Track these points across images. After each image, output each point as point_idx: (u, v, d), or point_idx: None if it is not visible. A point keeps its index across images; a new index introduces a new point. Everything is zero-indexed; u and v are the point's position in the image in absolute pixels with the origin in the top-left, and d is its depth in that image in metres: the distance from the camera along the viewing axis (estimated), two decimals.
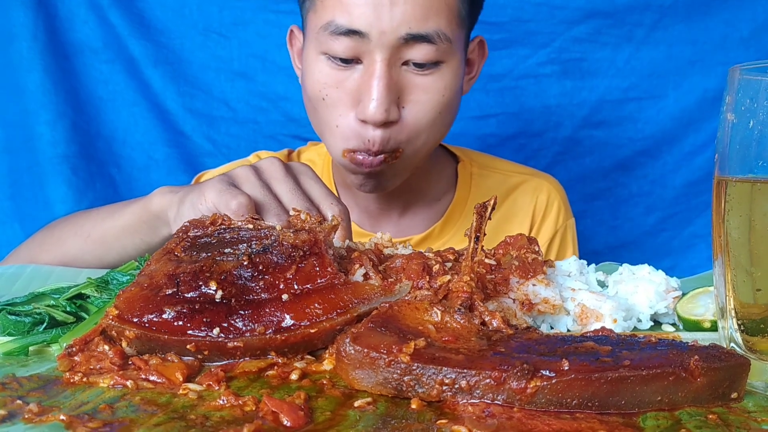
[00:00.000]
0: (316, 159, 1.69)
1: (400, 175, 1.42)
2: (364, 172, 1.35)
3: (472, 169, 1.69)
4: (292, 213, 0.93)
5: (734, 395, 0.64)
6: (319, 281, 0.76)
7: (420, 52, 1.28)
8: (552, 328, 0.87)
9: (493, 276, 0.87)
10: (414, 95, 1.31)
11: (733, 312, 0.71)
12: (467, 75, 1.50)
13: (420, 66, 1.30)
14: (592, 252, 2.07)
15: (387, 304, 0.73)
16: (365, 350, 0.64)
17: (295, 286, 0.75)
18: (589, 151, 2.27)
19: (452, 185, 1.67)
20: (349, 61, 1.29)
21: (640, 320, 0.90)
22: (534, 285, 0.86)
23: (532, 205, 1.70)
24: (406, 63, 1.29)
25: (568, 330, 0.87)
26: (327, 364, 0.71)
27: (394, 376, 0.63)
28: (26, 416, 0.58)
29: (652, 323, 0.92)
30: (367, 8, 1.24)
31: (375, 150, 1.31)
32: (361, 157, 1.32)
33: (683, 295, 0.92)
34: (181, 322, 0.71)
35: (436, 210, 1.63)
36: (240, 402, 0.60)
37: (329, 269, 0.77)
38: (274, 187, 1.04)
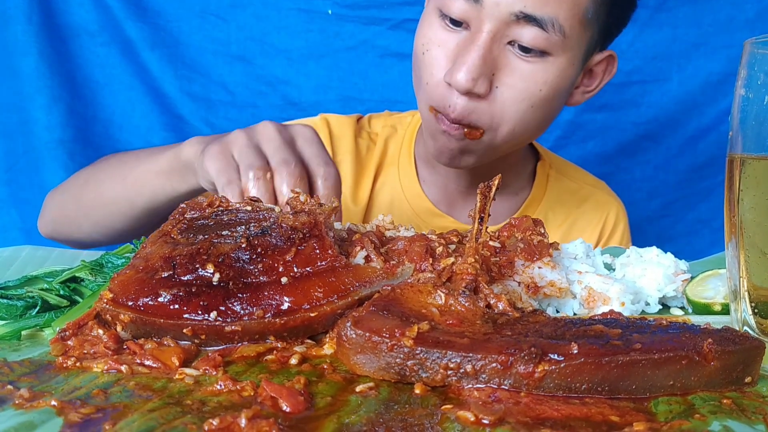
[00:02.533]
0: (398, 127, 1.67)
1: (479, 157, 1.38)
2: (442, 130, 1.32)
3: (549, 171, 1.67)
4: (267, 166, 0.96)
5: (748, 379, 0.62)
6: (319, 264, 0.74)
7: (528, 35, 1.23)
8: (558, 311, 0.85)
9: (497, 258, 0.85)
10: (510, 78, 1.27)
11: (746, 294, 0.69)
12: (585, 87, 1.45)
13: (525, 50, 1.25)
14: None
15: (389, 287, 0.71)
16: (367, 334, 0.62)
17: (295, 269, 0.73)
18: (591, 136, 2.25)
19: (530, 182, 1.65)
20: (459, 24, 1.27)
21: (648, 303, 0.89)
22: (540, 268, 0.84)
23: (602, 222, 1.68)
24: (512, 43, 1.25)
25: (575, 313, 0.85)
26: (327, 349, 0.69)
27: (397, 360, 0.61)
28: (17, 401, 0.56)
29: (661, 306, 0.90)
30: None
31: (454, 116, 1.28)
32: (442, 117, 1.31)
33: (692, 278, 0.90)
34: (177, 306, 0.69)
35: (512, 204, 1.61)
36: (238, 387, 0.59)
37: (330, 252, 0.75)
38: (263, 146, 1.05)
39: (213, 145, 1.07)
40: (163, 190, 1.25)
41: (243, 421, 0.51)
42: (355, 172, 1.59)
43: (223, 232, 0.78)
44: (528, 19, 1.22)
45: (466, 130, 1.30)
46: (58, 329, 0.72)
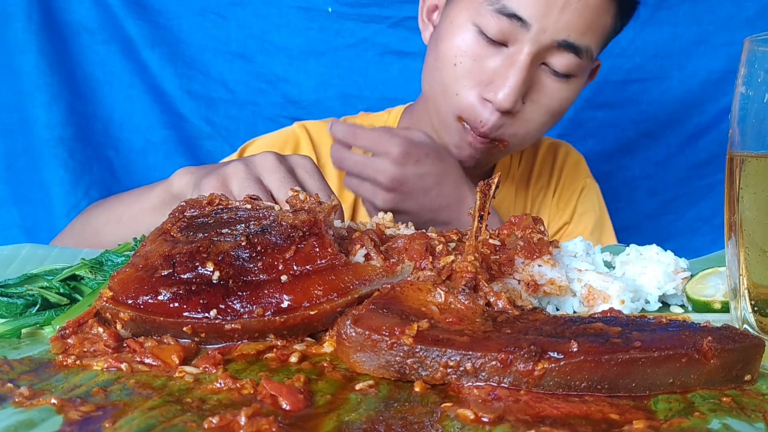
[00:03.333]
0: (376, 126, 1.69)
1: (496, 159, 1.48)
2: (469, 141, 1.38)
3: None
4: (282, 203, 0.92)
5: (747, 377, 0.62)
6: (319, 262, 0.74)
7: (563, 61, 1.30)
8: (558, 309, 0.85)
9: (497, 256, 0.85)
10: (539, 95, 1.34)
11: (746, 292, 0.69)
12: None
13: (555, 72, 1.32)
14: None
15: (389, 285, 0.71)
16: (367, 332, 0.62)
17: (295, 267, 0.73)
18: (591, 134, 2.25)
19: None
20: (495, 41, 1.30)
21: (648, 301, 0.89)
22: (540, 266, 0.84)
23: (557, 165, 1.78)
24: (545, 63, 1.31)
25: (575, 311, 0.85)
26: (327, 347, 0.69)
27: (397, 358, 0.61)
28: (17, 399, 0.56)
29: (660, 304, 0.90)
30: (540, 1, 1.25)
31: (483, 131, 1.34)
32: (470, 129, 1.36)
33: (692, 276, 0.90)
34: (177, 304, 0.69)
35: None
36: (238, 385, 0.59)
37: (329, 250, 0.75)
38: (265, 179, 1.04)
39: (210, 178, 1.06)
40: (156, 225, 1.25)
41: (243, 419, 0.51)
42: (339, 175, 1.60)
43: (223, 230, 0.78)
44: (567, 46, 1.28)
45: (490, 143, 1.36)
46: (58, 327, 0.72)
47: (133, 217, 1.29)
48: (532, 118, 1.35)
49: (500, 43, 1.30)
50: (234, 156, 1.64)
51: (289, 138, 1.67)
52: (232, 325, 0.68)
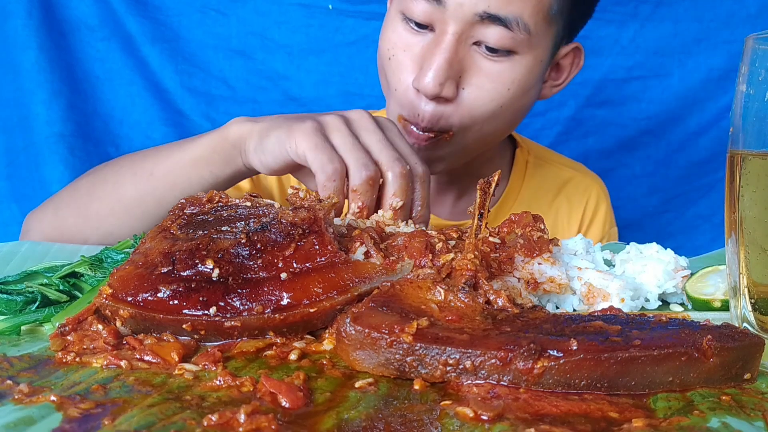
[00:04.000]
0: None
1: (451, 159, 1.37)
2: (412, 142, 1.29)
3: (528, 158, 1.67)
4: (376, 166, 0.94)
5: (747, 376, 0.62)
6: (318, 260, 0.74)
7: (494, 36, 1.21)
8: (558, 307, 0.85)
9: (497, 254, 0.85)
10: (477, 79, 1.25)
11: (746, 291, 0.69)
12: (553, 81, 1.44)
13: (491, 50, 1.23)
14: None
15: (388, 283, 0.71)
16: (366, 330, 0.62)
17: (295, 265, 0.73)
18: (592, 131, 2.25)
19: (508, 171, 1.65)
20: (424, 27, 1.25)
21: (647, 300, 0.88)
22: (539, 264, 0.84)
23: (583, 205, 1.68)
24: (478, 43, 1.23)
25: (575, 310, 0.85)
26: (327, 344, 0.69)
27: (397, 356, 0.61)
28: (16, 397, 0.56)
29: (660, 303, 0.90)
30: None
31: (423, 125, 1.26)
32: (412, 128, 1.28)
33: (692, 274, 0.90)
34: (176, 301, 0.69)
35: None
36: (237, 382, 0.59)
37: (329, 247, 0.75)
38: (363, 137, 1.01)
39: (307, 122, 1.01)
40: (200, 178, 1.17)
41: (242, 417, 0.51)
42: None
43: (223, 228, 0.78)
44: (492, 18, 1.20)
45: (434, 136, 1.28)
46: (57, 324, 0.72)
47: (170, 171, 1.19)
48: (475, 103, 1.26)
49: (429, 30, 1.25)
50: None
51: None
52: (232, 323, 0.68)
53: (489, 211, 0.81)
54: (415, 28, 1.25)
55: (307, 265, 0.73)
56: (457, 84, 1.24)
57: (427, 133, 1.27)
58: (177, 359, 0.64)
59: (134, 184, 1.23)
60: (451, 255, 0.79)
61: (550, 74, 1.41)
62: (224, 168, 1.15)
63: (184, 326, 0.68)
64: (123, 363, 0.63)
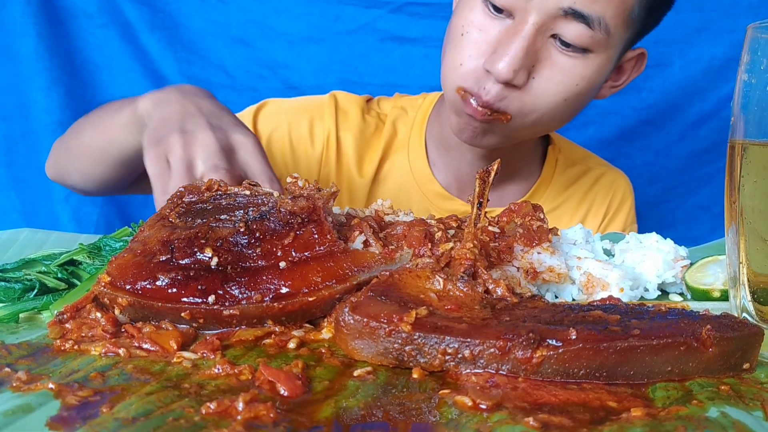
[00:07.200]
0: (408, 109, 1.65)
1: (500, 139, 1.38)
2: (467, 113, 1.31)
3: (559, 156, 1.67)
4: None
5: (746, 366, 0.62)
6: (317, 249, 0.74)
7: (573, 32, 1.22)
8: (557, 297, 0.85)
9: (496, 244, 0.84)
10: (549, 71, 1.26)
11: (745, 281, 0.69)
12: (613, 82, 1.45)
13: (566, 45, 1.24)
14: None
15: (387, 273, 0.71)
16: (365, 320, 0.62)
17: (293, 254, 0.73)
18: (591, 121, 2.24)
19: (539, 166, 1.65)
20: (502, 12, 1.25)
21: (647, 289, 0.88)
22: (539, 253, 0.84)
23: (607, 201, 1.69)
24: (554, 36, 1.24)
25: (574, 299, 0.85)
26: (326, 333, 0.69)
27: (395, 345, 0.61)
28: (14, 384, 0.56)
29: (660, 292, 0.90)
30: None
31: (485, 100, 1.27)
32: (471, 101, 1.29)
33: (692, 264, 0.90)
34: (175, 290, 0.69)
35: (521, 188, 1.61)
36: (236, 371, 0.59)
37: (328, 236, 0.75)
38: (197, 165, 1.01)
39: (153, 149, 1.05)
40: (128, 142, 1.22)
41: (240, 405, 0.51)
42: (359, 146, 1.59)
43: (222, 216, 0.78)
44: (575, 15, 1.21)
45: (491, 115, 1.29)
46: (56, 312, 0.72)
47: (108, 129, 1.27)
48: (542, 93, 1.28)
49: (507, 15, 1.25)
50: (251, 110, 1.62)
51: (311, 105, 1.64)
52: (231, 311, 0.68)
53: (488, 200, 0.81)
54: (494, 12, 1.26)
55: (306, 254, 0.73)
56: (529, 72, 1.26)
57: (485, 110, 1.28)
58: (175, 347, 0.64)
59: (91, 134, 1.34)
60: (450, 244, 0.78)
61: (611, 75, 1.42)
62: (138, 137, 1.18)
63: (182, 314, 0.68)
64: (121, 351, 0.63)
